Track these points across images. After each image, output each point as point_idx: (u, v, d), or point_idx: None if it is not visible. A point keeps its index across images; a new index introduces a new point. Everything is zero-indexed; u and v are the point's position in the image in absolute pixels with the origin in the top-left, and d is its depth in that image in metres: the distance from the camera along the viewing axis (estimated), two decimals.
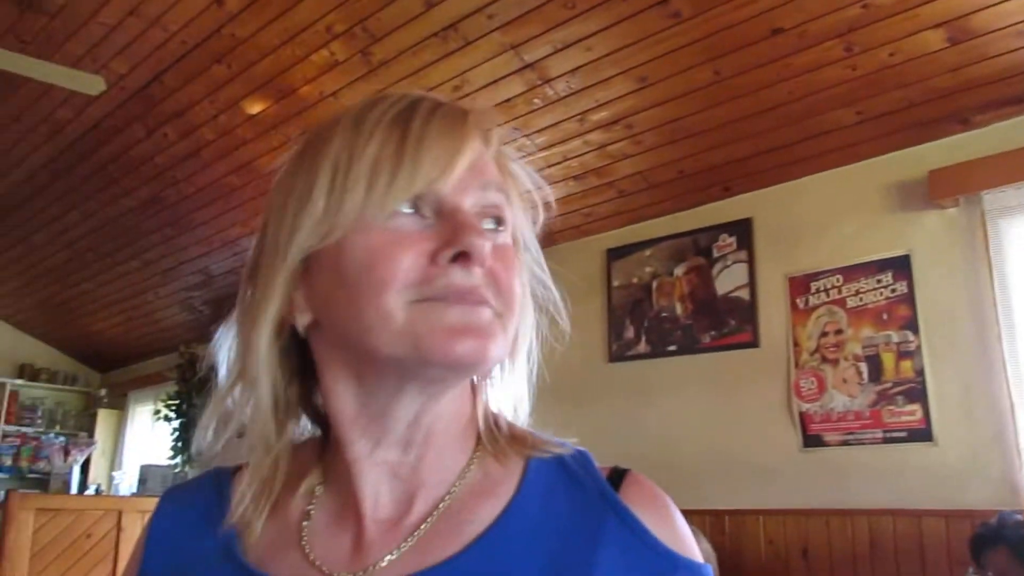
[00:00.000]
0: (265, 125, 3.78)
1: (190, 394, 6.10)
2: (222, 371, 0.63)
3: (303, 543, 0.59)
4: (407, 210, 0.54)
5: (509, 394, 0.64)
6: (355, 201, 0.53)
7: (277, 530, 0.60)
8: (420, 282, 0.53)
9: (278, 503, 0.60)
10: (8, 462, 7.02)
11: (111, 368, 7.69)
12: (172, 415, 6.15)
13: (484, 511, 0.58)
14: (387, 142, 0.54)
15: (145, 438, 6.97)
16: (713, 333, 3.59)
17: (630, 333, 3.88)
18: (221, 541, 0.60)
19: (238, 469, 0.66)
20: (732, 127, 3.25)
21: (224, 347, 0.64)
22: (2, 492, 5.38)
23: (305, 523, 0.60)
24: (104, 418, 7.24)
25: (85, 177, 4.60)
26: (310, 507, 0.60)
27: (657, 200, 3.83)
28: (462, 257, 0.53)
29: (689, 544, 0.59)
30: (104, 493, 5.88)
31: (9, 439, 7.09)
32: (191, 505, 0.65)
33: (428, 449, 0.59)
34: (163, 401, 6.30)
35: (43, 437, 7.07)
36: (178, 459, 6.01)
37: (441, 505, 0.58)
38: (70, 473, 5.25)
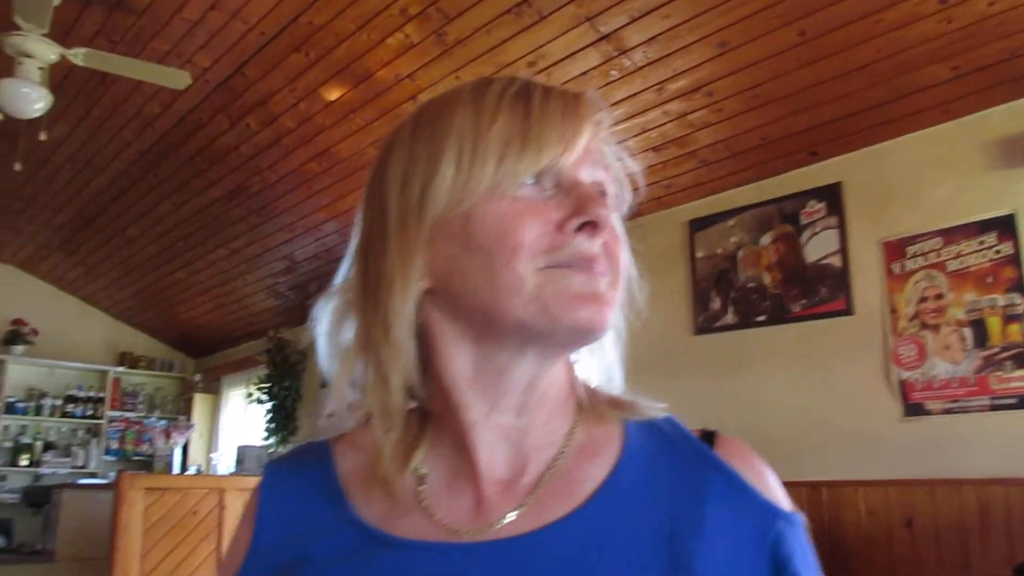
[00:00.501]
0: (344, 111, 3.83)
1: (280, 377, 6.30)
2: (321, 344, 0.66)
3: (424, 505, 0.61)
4: (530, 182, 0.57)
5: (602, 365, 0.67)
6: (486, 172, 0.56)
7: (392, 495, 0.61)
8: (549, 249, 0.56)
9: (381, 470, 0.61)
10: (115, 445, 7.39)
11: (204, 354, 7.98)
12: (264, 397, 6.36)
13: (593, 471, 0.61)
14: (513, 118, 0.58)
15: (239, 420, 7.23)
16: (804, 302, 3.49)
17: (716, 304, 3.81)
18: (334, 508, 0.62)
19: (335, 440, 0.68)
20: (818, 90, 3.14)
21: (324, 321, 0.66)
22: (113, 473, 5.67)
23: (421, 487, 0.61)
24: (200, 402, 7.54)
25: (174, 169, 4.75)
26: (422, 472, 0.62)
27: (740, 168, 3.74)
28: (589, 226, 0.56)
29: (783, 495, 0.62)
30: (204, 473, 6.13)
31: (114, 423, 7.46)
32: (295, 475, 0.66)
33: (540, 413, 0.62)
34: (255, 384, 6.52)
35: (145, 421, 7.42)
36: (272, 439, 6.22)
37: (553, 466, 0.61)
38: (172, 454, 5.49)
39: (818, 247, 3.49)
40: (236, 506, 3.84)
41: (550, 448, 0.62)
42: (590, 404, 0.65)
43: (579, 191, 0.57)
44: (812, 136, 3.43)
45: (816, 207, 3.52)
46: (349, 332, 0.64)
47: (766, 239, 3.68)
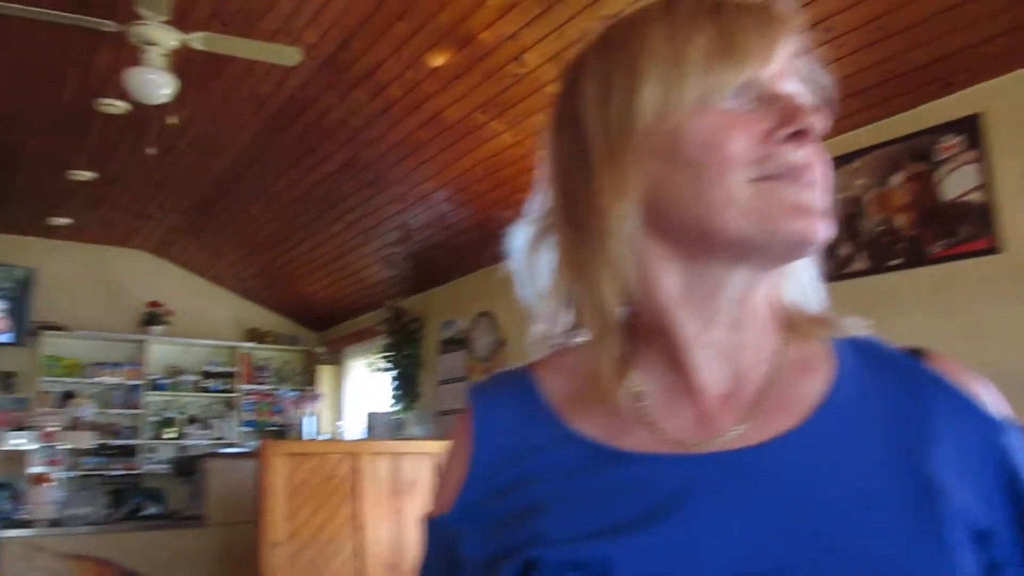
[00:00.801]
0: (449, 76, 3.83)
1: (400, 345, 6.47)
2: (517, 274, 0.68)
3: (647, 420, 0.61)
4: (733, 95, 0.57)
5: (799, 283, 0.66)
6: (690, 87, 0.56)
7: (612, 413, 0.61)
8: (758, 160, 0.56)
9: (599, 389, 0.61)
10: (249, 416, 7.81)
11: (326, 327, 8.26)
12: (386, 366, 6.56)
13: (811, 386, 0.61)
14: (711, 32, 0.58)
15: (363, 389, 7.47)
16: (943, 243, 3.29)
17: (845, 250, 3.63)
18: (550, 428, 0.63)
19: (533, 366, 0.69)
20: (950, 15, 2.91)
21: (517, 251, 0.68)
22: (254, 442, 5.98)
23: (640, 404, 0.61)
24: (324, 373, 7.83)
25: (288, 147, 4.89)
26: (637, 390, 0.62)
27: (864, 107, 3.53)
28: (797, 135, 0.56)
29: (1004, 407, 0.62)
30: (334, 439, 6.39)
31: (248, 396, 7.87)
32: (502, 400, 0.67)
33: (752, 328, 0.62)
34: (376, 353, 6.72)
35: (276, 393, 7.80)
36: (398, 406, 6.42)
37: (771, 381, 0.61)
38: (303, 423, 5.75)
39: (956, 184, 3.27)
40: (369, 469, 3.98)
41: (764, 363, 0.62)
42: (795, 321, 0.65)
43: (783, 102, 0.57)
44: (944, 67, 3.19)
45: (952, 142, 3.29)
46: (546, 260, 0.65)
47: (896, 179, 3.47)
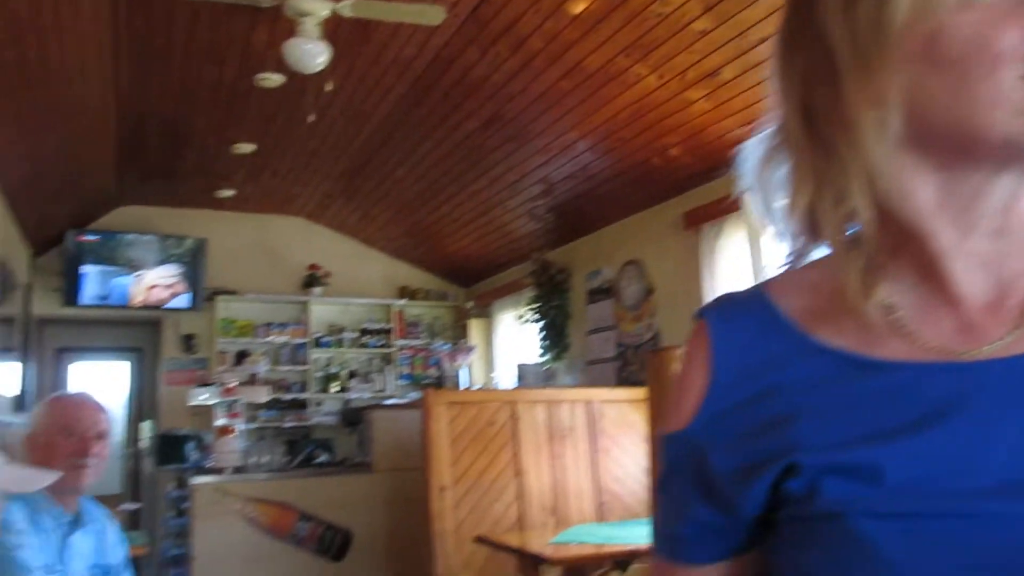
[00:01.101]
0: (590, 22, 3.78)
1: (547, 297, 6.55)
2: (751, 193, 0.66)
3: (903, 332, 0.59)
4: None
5: None
6: None
7: (857, 324, 0.60)
8: None
9: (846, 302, 0.60)
10: (406, 370, 8.17)
11: (473, 282, 8.47)
12: (534, 317, 6.67)
13: None
14: None
15: (512, 340, 7.64)
16: None
17: None
18: (793, 342, 0.62)
19: (765, 285, 0.68)
20: None
21: (749, 171, 0.66)
22: (414, 394, 6.25)
23: (892, 316, 0.60)
24: (475, 326, 8.05)
25: (432, 107, 5.00)
26: (886, 302, 0.60)
27: None
28: None
29: None
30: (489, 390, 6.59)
31: (403, 351, 8.23)
32: (737, 317, 0.66)
33: (1017, 237, 0.58)
34: (525, 306, 6.84)
35: (431, 346, 8.12)
36: (547, 356, 6.53)
37: None
38: (458, 375, 5.95)
39: None
40: (526, 416, 4.09)
41: None
42: None
43: None
44: None
45: None
46: (779, 176, 0.64)
47: None
